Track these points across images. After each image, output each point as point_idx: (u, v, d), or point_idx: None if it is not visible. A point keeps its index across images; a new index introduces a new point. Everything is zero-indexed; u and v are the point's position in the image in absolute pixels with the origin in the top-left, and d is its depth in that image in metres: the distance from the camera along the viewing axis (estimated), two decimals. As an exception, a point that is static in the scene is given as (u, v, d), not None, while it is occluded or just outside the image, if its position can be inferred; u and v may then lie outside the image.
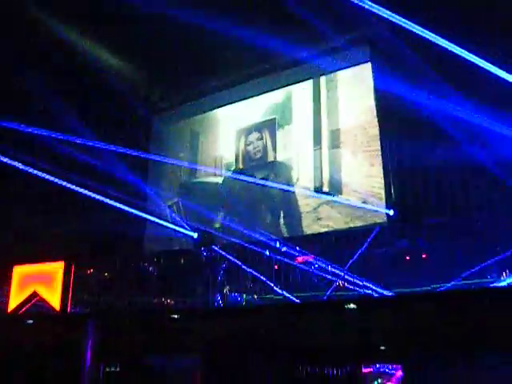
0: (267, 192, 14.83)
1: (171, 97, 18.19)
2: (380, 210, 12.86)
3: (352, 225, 13.00)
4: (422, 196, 12.69)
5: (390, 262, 11.64)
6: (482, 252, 10.63)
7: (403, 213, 12.70)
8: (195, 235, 14.56)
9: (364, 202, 13.12)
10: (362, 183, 13.16)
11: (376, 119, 13.59)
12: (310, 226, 13.74)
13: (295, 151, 14.78)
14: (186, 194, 16.55)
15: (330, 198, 13.69)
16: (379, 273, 11.47)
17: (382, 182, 13.00)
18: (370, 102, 13.71)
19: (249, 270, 13.09)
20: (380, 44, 13.74)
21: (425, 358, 12.46)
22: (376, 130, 13.43)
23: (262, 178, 14.89)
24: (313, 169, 14.21)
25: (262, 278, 12.83)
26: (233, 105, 16.64)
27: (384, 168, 13.17)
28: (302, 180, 14.34)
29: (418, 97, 12.34)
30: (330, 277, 12.22)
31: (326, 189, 13.84)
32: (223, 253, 13.50)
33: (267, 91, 15.97)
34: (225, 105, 16.89)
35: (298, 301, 12.17)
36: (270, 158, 15.13)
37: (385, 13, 11.81)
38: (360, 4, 11.86)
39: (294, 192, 14.46)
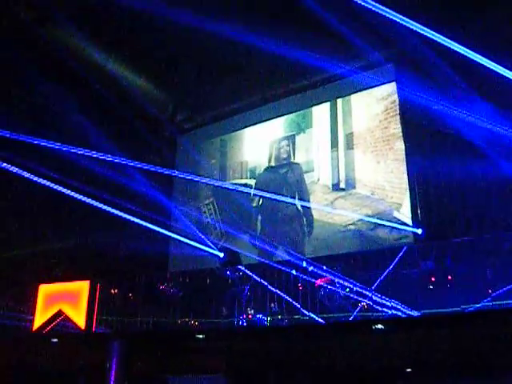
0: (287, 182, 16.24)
1: (197, 117, 18.65)
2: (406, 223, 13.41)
3: (360, 212, 14.31)
4: (448, 214, 12.65)
5: (417, 282, 11.28)
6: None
7: (430, 231, 12.66)
8: (221, 255, 14.56)
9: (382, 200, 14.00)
10: (370, 178, 14.61)
11: (383, 123, 14.74)
12: (326, 215, 14.97)
13: (315, 153, 16.18)
14: (220, 195, 17.49)
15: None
16: (406, 293, 11.16)
17: (387, 176, 14.23)
18: (376, 109, 14.95)
19: (274, 290, 12.98)
20: (406, 59, 13.98)
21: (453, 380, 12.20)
22: (381, 132, 14.66)
23: (284, 173, 16.36)
24: (331, 168, 15.56)
25: (287, 298, 12.73)
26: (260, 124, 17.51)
27: (410, 183, 13.60)
28: (322, 178, 15.72)
29: (445, 110, 12.49)
30: (356, 297, 12.03)
31: (342, 185, 15.17)
32: (248, 272, 13.40)
33: (293, 111, 16.87)
34: (252, 124, 17.65)
35: (322, 322, 12.01)
36: (293, 160, 16.49)
37: (411, 25, 11.76)
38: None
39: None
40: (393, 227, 13.51)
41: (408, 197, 13.57)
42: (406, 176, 13.74)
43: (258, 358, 13.87)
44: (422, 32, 11.50)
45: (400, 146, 14.06)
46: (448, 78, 12.23)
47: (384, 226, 13.62)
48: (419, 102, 13.08)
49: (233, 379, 14.58)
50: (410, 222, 13.31)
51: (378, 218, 13.86)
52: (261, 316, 12.64)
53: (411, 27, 11.55)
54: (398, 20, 11.55)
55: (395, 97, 14.56)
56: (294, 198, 15.61)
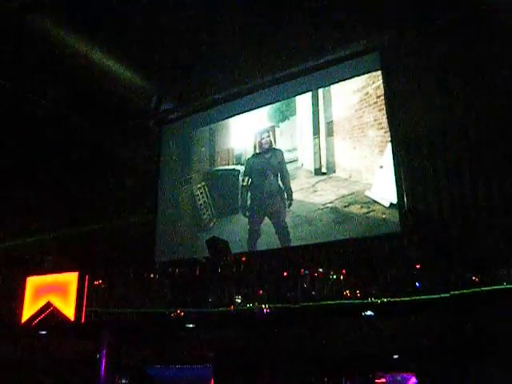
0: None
1: (185, 106, 18.79)
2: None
3: (338, 193, 15.10)
4: (435, 200, 13.02)
5: (406, 268, 11.53)
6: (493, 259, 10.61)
7: (416, 219, 12.51)
8: (209, 243, 14.57)
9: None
10: (347, 163, 15.32)
11: (359, 113, 15.37)
12: (308, 196, 15.67)
13: (299, 140, 16.73)
14: (211, 180, 17.94)
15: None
16: (395, 280, 11.30)
17: (362, 160, 15.00)
18: (353, 99, 15.50)
19: (262, 278, 13.10)
20: (391, 50, 14.30)
21: (440, 366, 12.30)
22: (357, 121, 15.33)
23: (268, 158, 16.89)
24: (313, 154, 16.17)
25: (274, 286, 12.85)
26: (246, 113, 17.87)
27: (396, 173, 14.01)
28: (305, 164, 16.24)
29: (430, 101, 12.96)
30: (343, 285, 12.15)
31: (323, 170, 15.83)
32: (236, 261, 13.51)
33: (277, 100, 17.21)
34: (239, 113, 17.97)
35: (310, 309, 12.09)
36: (276, 146, 17.01)
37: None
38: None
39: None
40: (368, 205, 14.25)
41: (380, 178, 14.34)
42: (379, 159, 14.48)
43: (245, 347, 13.98)
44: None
45: (372, 133, 14.79)
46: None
47: (356, 203, 14.53)
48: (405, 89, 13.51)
49: (221, 368, 14.69)
50: (380, 199, 14.10)
51: (352, 197, 14.67)
52: (250, 305, 12.77)
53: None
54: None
55: (369, 88, 15.13)
56: (277, 178, 16.29)
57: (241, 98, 17.67)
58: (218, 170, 17.77)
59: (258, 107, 17.42)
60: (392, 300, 11.06)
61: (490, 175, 12.13)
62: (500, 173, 11.95)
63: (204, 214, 17.51)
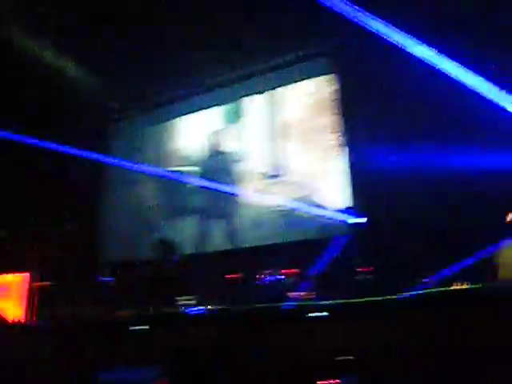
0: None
1: (135, 105, 18.57)
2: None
3: (288, 196, 15.04)
4: (386, 204, 12.84)
5: (355, 270, 11.71)
6: (447, 260, 10.76)
7: (368, 221, 12.89)
8: (159, 244, 14.44)
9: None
10: (299, 166, 15.30)
11: (312, 115, 15.40)
12: (258, 199, 15.58)
13: (251, 142, 16.51)
14: (160, 181, 17.64)
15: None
16: (344, 281, 11.45)
17: (314, 165, 15.04)
18: (306, 102, 15.54)
19: (210, 280, 13.03)
20: (345, 53, 14.36)
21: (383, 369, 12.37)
22: (309, 125, 15.33)
23: (218, 159, 16.61)
24: (265, 157, 16.04)
25: (223, 287, 12.81)
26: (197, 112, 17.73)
27: (348, 176, 14.17)
28: (257, 166, 16.06)
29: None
30: (296, 285, 12.17)
31: (275, 173, 15.71)
32: (185, 262, 13.39)
33: (229, 101, 17.10)
34: (189, 113, 17.84)
35: (262, 311, 12.06)
36: (228, 148, 16.74)
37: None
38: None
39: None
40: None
41: (331, 181, 14.49)
42: (331, 163, 14.57)
43: (196, 348, 13.87)
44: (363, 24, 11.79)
45: (324, 137, 14.78)
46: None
47: (307, 206, 14.44)
48: (360, 92, 13.54)
49: (170, 369, 14.56)
50: (329, 204, 14.22)
51: (302, 201, 14.60)
52: (200, 306, 12.69)
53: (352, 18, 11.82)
54: (339, 11, 11.78)
55: (322, 92, 15.16)
56: (227, 180, 15.98)
57: (192, 98, 17.50)
58: (168, 171, 17.45)
59: (209, 107, 17.27)
60: (341, 302, 11.14)
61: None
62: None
63: (152, 214, 17.30)
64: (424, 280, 10.80)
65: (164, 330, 13.37)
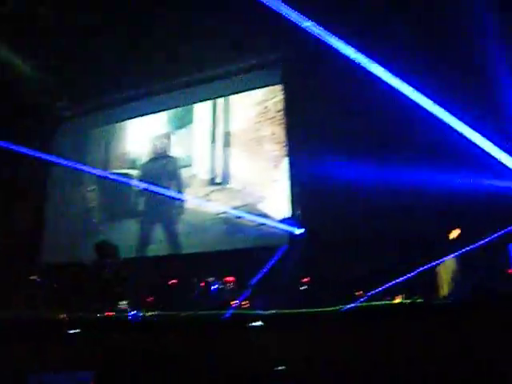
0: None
1: (81, 105, 18.29)
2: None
3: (231, 204, 15.11)
4: (327, 216, 12.99)
5: (295, 280, 11.79)
6: (385, 273, 10.88)
7: (309, 232, 13.10)
8: (99, 246, 14.24)
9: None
10: (242, 174, 15.40)
11: (257, 126, 15.55)
12: (201, 205, 15.64)
13: (195, 148, 16.58)
14: (103, 183, 17.40)
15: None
16: (283, 292, 11.47)
17: (258, 174, 15.12)
18: (251, 112, 15.65)
19: (150, 285, 12.95)
20: (293, 65, 14.55)
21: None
22: (255, 134, 15.47)
23: (163, 164, 16.72)
24: (209, 164, 16.11)
25: (162, 293, 12.73)
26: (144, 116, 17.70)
27: (291, 182, 14.31)
28: (200, 173, 16.13)
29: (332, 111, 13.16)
30: (234, 294, 12.17)
31: (218, 180, 15.81)
32: (125, 266, 13.27)
33: (176, 106, 17.18)
34: (136, 116, 17.77)
35: (201, 318, 12.02)
36: (172, 153, 16.85)
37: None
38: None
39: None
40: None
41: (273, 191, 14.56)
42: (274, 173, 14.70)
43: (128, 354, 13.72)
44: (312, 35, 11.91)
45: (269, 147, 14.94)
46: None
47: (249, 214, 14.49)
48: (305, 104, 13.70)
49: (102, 374, 14.35)
50: (272, 213, 14.30)
51: (245, 209, 14.69)
52: (135, 311, 12.57)
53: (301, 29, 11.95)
54: (288, 20, 11.89)
55: (269, 102, 15.31)
56: (170, 185, 16.14)
57: (139, 101, 17.39)
58: (111, 173, 17.21)
59: (156, 112, 17.27)
60: (280, 312, 11.18)
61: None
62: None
63: (94, 217, 17.10)
64: (363, 293, 10.90)
65: (98, 334, 13.23)
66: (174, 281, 12.96)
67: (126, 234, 15.98)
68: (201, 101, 16.58)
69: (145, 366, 13.88)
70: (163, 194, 15.83)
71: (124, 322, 12.71)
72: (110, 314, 12.59)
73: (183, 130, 16.75)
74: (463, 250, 11.01)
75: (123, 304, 12.75)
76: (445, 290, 11.05)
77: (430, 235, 11.47)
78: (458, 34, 11.70)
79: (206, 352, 13.30)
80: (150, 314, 12.61)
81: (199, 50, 14.43)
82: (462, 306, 10.56)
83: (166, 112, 17.13)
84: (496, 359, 9.42)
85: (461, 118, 11.50)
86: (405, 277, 10.83)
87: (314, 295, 11.08)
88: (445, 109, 11.61)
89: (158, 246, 15.45)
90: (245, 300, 11.78)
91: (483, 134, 11.41)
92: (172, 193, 15.86)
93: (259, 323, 11.62)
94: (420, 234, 11.44)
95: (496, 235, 10.86)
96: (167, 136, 16.85)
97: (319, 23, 11.81)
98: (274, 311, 11.39)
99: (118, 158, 17.56)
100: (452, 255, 11.14)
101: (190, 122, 16.69)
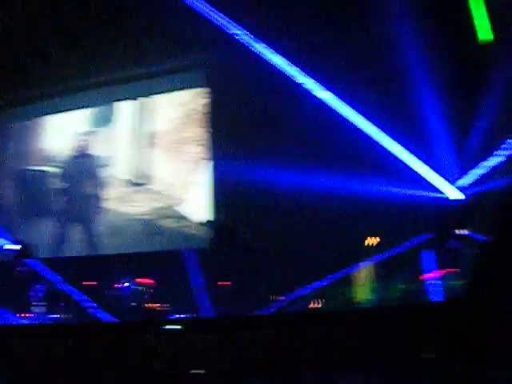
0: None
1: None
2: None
3: (151, 205, 15.10)
4: (245, 221, 13.11)
5: (214, 285, 11.91)
6: (298, 280, 11.04)
7: (226, 235, 13.03)
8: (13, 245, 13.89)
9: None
10: (164, 176, 15.31)
11: (180, 127, 15.40)
12: (121, 206, 15.49)
13: (117, 148, 16.21)
14: (20, 179, 16.82)
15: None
16: (201, 295, 11.61)
17: (179, 176, 15.07)
18: (175, 113, 15.49)
19: (68, 288, 12.73)
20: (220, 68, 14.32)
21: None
22: (178, 135, 15.33)
23: (83, 162, 16.12)
24: (131, 164, 15.84)
25: (77, 296, 12.53)
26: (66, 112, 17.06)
27: (212, 185, 14.28)
28: (122, 173, 15.85)
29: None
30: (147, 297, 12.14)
31: (140, 181, 15.58)
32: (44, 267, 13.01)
33: (98, 104, 16.66)
34: (58, 112, 17.09)
35: (115, 321, 11.93)
36: (94, 152, 16.25)
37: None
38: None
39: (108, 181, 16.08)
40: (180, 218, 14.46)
41: (194, 194, 14.55)
42: (195, 176, 14.65)
43: (43, 357, 13.46)
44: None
45: (191, 149, 14.85)
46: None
47: (168, 216, 14.57)
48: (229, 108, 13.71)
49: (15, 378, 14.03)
50: (192, 215, 14.33)
51: (165, 211, 14.68)
52: (53, 315, 12.36)
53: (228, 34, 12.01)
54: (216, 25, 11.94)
55: (194, 104, 15.14)
56: (90, 184, 15.72)
57: (61, 97, 16.71)
58: (29, 170, 16.71)
59: (77, 108, 16.68)
60: (197, 316, 11.19)
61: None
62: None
63: (10, 214, 16.39)
64: (280, 298, 10.99)
65: (14, 339, 12.91)
66: (90, 283, 12.77)
67: (43, 234, 15.54)
68: (124, 99, 16.23)
69: (55, 370, 13.67)
70: (83, 193, 15.55)
71: (43, 325, 12.47)
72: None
73: (105, 128, 16.37)
74: (379, 257, 11.31)
75: (35, 306, 12.50)
76: (361, 295, 11.29)
77: (347, 242, 11.71)
78: (381, 46, 11.98)
79: (122, 355, 13.20)
80: (65, 316, 12.44)
81: (124, 49, 14.26)
82: (380, 312, 10.91)
83: (88, 109, 16.61)
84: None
85: (382, 128, 11.81)
86: (322, 282, 11.03)
87: (232, 300, 11.10)
88: (365, 117, 11.93)
89: (76, 245, 15.10)
90: (162, 303, 11.74)
91: (403, 145, 11.76)
92: (92, 192, 15.54)
93: (176, 326, 11.61)
94: (338, 241, 11.67)
95: (410, 243, 11.21)
96: (89, 134, 16.31)
97: (247, 30, 11.97)
98: (191, 315, 11.40)
99: (37, 155, 16.95)
100: (367, 262, 11.42)
101: (112, 120, 16.35)
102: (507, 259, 9.81)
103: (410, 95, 11.45)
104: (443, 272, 10.87)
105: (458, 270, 10.82)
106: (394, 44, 11.56)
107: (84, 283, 12.76)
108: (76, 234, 15.30)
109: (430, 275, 10.89)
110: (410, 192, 11.42)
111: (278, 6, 12.79)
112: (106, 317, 12.07)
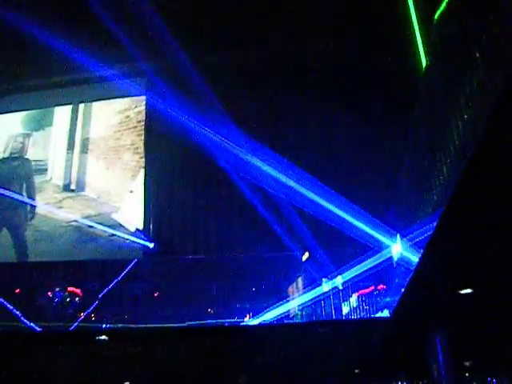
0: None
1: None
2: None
3: (85, 212, 14.81)
4: (180, 232, 13.26)
5: (147, 295, 11.82)
6: (234, 291, 11.05)
7: (161, 246, 13.06)
8: None
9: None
10: (98, 183, 15.20)
11: (117, 134, 15.42)
12: (53, 212, 15.06)
13: (52, 152, 16.04)
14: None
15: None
16: (131, 306, 11.57)
17: (113, 182, 15.02)
18: (113, 120, 15.55)
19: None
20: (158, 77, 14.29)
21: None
22: (114, 142, 15.36)
23: (15, 166, 15.90)
24: (64, 169, 15.63)
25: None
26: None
27: (145, 200, 14.24)
28: (55, 177, 15.64)
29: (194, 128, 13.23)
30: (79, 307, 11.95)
31: (73, 187, 15.41)
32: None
33: (35, 108, 16.47)
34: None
35: (39, 330, 11.67)
36: (27, 155, 16.09)
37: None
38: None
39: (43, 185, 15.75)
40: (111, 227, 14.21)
41: (129, 202, 14.46)
42: (130, 184, 14.61)
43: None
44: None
45: (127, 157, 14.87)
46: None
47: (102, 224, 14.30)
48: (168, 116, 13.60)
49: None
50: (126, 223, 14.09)
51: (99, 219, 14.44)
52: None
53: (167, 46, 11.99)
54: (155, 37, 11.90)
55: (131, 112, 15.24)
56: (21, 188, 15.38)
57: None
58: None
59: (13, 111, 16.42)
60: (126, 326, 11.06)
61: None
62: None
63: None
64: (208, 310, 10.97)
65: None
66: (18, 290, 12.49)
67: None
68: (61, 104, 16.02)
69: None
70: (12, 198, 15.08)
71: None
72: None
73: (41, 132, 16.15)
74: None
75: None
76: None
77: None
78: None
79: (50, 365, 12.92)
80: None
81: (61, 54, 13.94)
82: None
83: (25, 112, 16.35)
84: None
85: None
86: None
87: (161, 310, 11.03)
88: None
89: (3, 251, 14.54)
90: (92, 313, 11.56)
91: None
92: (22, 197, 15.14)
93: (105, 337, 11.42)
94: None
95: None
96: (23, 137, 16.10)
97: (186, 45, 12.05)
98: (121, 325, 11.24)
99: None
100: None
101: (48, 124, 16.12)
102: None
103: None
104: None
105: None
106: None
107: (10, 290, 12.43)
108: (3, 239, 14.78)
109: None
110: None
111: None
112: (29, 325, 11.75)
